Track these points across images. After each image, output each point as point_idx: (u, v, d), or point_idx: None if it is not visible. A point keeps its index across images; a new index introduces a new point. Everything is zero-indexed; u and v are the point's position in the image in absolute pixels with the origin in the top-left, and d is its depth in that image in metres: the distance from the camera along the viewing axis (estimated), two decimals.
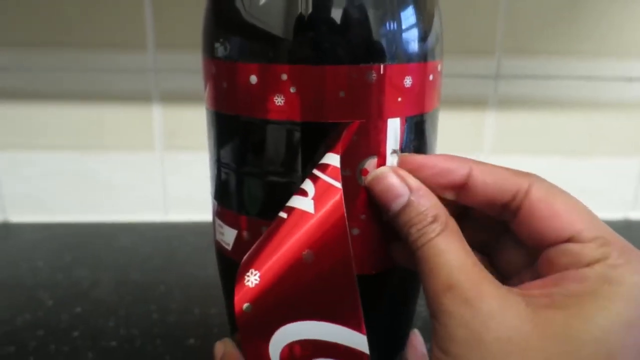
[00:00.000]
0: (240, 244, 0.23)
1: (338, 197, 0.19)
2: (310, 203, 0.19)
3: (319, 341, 0.20)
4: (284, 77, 0.20)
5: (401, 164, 0.21)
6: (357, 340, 0.19)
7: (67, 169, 0.59)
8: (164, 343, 0.40)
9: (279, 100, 0.20)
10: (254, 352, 0.20)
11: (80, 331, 0.41)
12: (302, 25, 0.19)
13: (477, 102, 0.58)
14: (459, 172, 0.21)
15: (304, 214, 0.19)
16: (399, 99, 0.21)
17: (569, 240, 0.19)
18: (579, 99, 0.58)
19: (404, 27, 0.21)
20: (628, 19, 0.56)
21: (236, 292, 0.19)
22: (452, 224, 0.20)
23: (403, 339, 0.27)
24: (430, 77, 0.22)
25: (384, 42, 0.20)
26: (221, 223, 0.24)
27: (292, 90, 0.20)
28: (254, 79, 0.20)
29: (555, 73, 0.57)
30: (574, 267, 0.18)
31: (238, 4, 0.21)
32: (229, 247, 0.24)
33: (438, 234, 0.19)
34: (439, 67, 0.23)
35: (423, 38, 0.21)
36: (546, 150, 0.59)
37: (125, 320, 0.42)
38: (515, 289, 0.18)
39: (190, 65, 0.55)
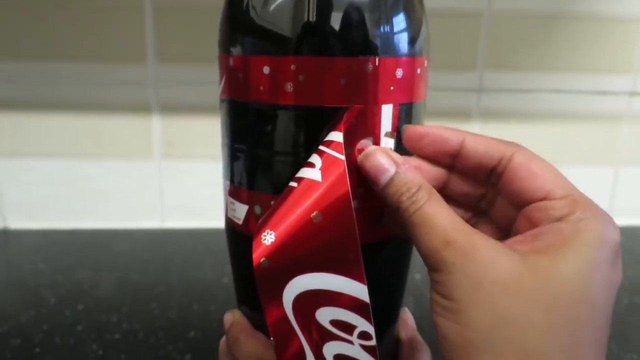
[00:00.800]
0: (251, 217, 0.26)
1: (342, 167, 0.22)
2: (318, 173, 0.22)
3: (326, 291, 0.22)
4: (293, 67, 0.23)
5: (406, 133, 0.24)
6: (359, 290, 0.22)
7: (66, 177, 0.60)
8: (166, 335, 0.41)
9: (289, 87, 0.23)
10: (269, 301, 0.22)
11: (83, 326, 0.42)
12: (309, 29, 0.23)
13: (461, 114, 0.61)
14: (454, 140, 0.24)
15: (312, 182, 0.22)
16: (392, 88, 0.24)
17: (544, 198, 0.22)
18: (556, 111, 0.62)
19: (395, 28, 0.24)
20: (599, 36, 0.60)
21: (254, 249, 0.21)
22: (435, 192, 0.22)
23: (395, 312, 0.30)
24: (418, 71, 0.25)
25: (378, 40, 0.23)
26: (233, 200, 0.27)
27: (300, 78, 0.23)
28: (267, 69, 0.23)
29: (533, 87, 0.61)
30: (547, 221, 0.21)
31: (252, 9, 0.24)
32: (240, 222, 0.26)
33: (427, 200, 0.22)
34: (425, 63, 0.26)
35: (412, 37, 0.24)
36: None
37: (128, 316, 0.44)
38: (502, 242, 0.21)
39: (189, 77, 0.58)
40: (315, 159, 0.22)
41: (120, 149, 0.60)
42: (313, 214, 0.21)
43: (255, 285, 0.27)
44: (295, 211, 0.21)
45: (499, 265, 0.20)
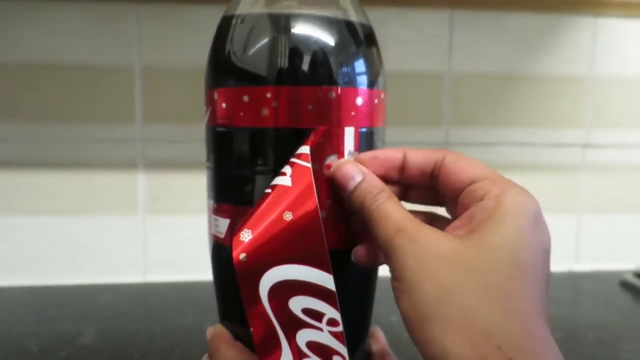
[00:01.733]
0: (233, 230, 0.28)
1: (308, 173, 0.26)
2: (288, 179, 0.25)
3: (297, 281, 0.25)
4: (269, 95, 0.27)
5: (359, 160, 0.28)
6: (326, 279, 0.25)
7: (52, 234, 0.62)
8: None
9: (265, 112, 0.27)
10: (248, 294, 0.25)
11: None
12: (281, 68, 0.27)
13: None
14: (397, 157, 0.28)
15: (284, 187, 0.25)
16: (353, 113, 0.28)
17: (470, 184, 0.26)
18: (518, 163, 0.67)
19: (355, 64, 0.28)
20: (552, 94, 0.66)
21: (234, 247, 0.24)
22: (393, 195, 0.26)
23: (365, 327, 0.32)
24: (376, 101, 0.30)
25: (340, 74, 0.28)
26: (216, 217, 0.30)
27: (274, 104, 0.27)
28: (246, 98, 0.27)
29: (495, 141, 0.66)
30: (474, 201, 0.25)
31: (233, 55, 0.28)
32: (222, 235, 0.29)
33: (386, 200, 0.25)
34: (382, 96, 0.31)
35: (369, 72, 0.29)
36: None
37: None
38: (444, 230, 0.25)
39: (175, 135, 0.61)
40: (286, 168, 0.26)
41: (106, 205, 0.62)
42: (284, 214, 0.25)
43: (235, 299, 0.29)
44: (270, 213, 0.25)
45: (441, 245, 0.23)
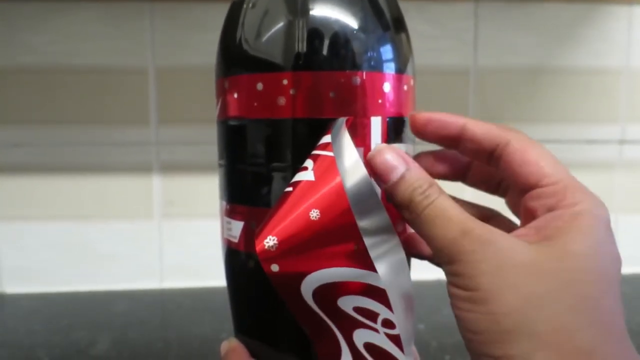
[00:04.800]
0: (247, 233, 0.26)
1: (331, 162, 0.22)
2: (311, 173, 0.22)
3: (340, 282, 0.22)
4: (285, 82, 0.24)
5: (412, 120, 0.26)
6: (371, 277, 0.22)
7: (66, 240, 0.61)
8: None
9: (281, 101, 0.24)
10: (292, 301, 0.22)
11: None
12: (298, 55, 0.24)
13: None
14: (456, 124, 0.25)
15: (306, 182, 0.22)
16: (380, 101, 0.25)
17: (536, 184, 0.22)
18: None
19: (381, 46, 0.25)
20: (583, 88, 0.63)
21: (260, 257, 0.21)
22: (444, 191, 0.23)
23: None
24: (405, 88, 0.26)
25: (365, 57, 0.25)
26: (229, 220, 0.27)
27: (292, 92, 0.24)
28: (260, 86, 0.25)
29: None
30: (542, 209, 0.22)
31: (245, 42, 0.25)
32: (236, 240, 0.26)
33: (439, 195, 0.22)
34: (412, 82, 0.27)
35: (396, 55, 0.26)
36: None
37: None
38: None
39: (190, 138, 0.59)
40: (308, 162, 0.23)
41: (121, 210, 0.61)
42: (311, 212, 0.22)
43: (251, 310, 0.27)
44: (293, 213, 0.22)
45: (517, 252, 0.20)
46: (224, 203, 0.28)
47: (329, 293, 0.22)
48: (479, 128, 0.24)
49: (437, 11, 0.61)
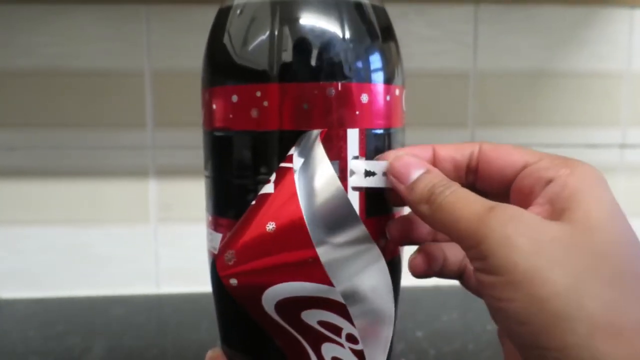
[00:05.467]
0: None
1: (289, 174, 0.22)
2: (271, 186, 0.22)
3: (300, 297, 0.22)
4: (258, 94, 0.24)
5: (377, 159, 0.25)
6: (329, 291, 0.22)
7: (61, 244, 0.60)
8: None
9: (254, 113, 0.24)
10: (255, 313, 0.22)
11: None
12: (272, 66, 0.24)
13: None
14: (425, 154, 0.25)
15: (266, 195, 0.22)
16: (357, 113, 0.24)
17: (524, 166, 0.22)
18: None
19: (360, 56, 0.24)
20: (583, 92, 0.62)
21: (219, 271, 0.21)
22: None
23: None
24: (387, 98, 0.25)
25: (340, 70, 0.24)
26: (212, 231, 0.27)
27: (265, 104, 0.24)
28: (235, 98, 0.24)
29: (524, 142, 0.62)
30: (540, 183, 0.21)
31: (229, 48, 0.25)
32: (216, 251, 0.26)
33: (459, 187, 0.22)
34: (397, 92, 0.26)
35: (378, 65, 0.25)
36: None
37: None
38: None
39: (186, 141, 0.59)
40: (273, 175, 0.23)
41: (117, 214, 0.60)
42: (267, 225, 0.21)
43: (233, 322, 0.27)
44: (250, 225, 0.22)
45: (547, 225, 0.19)
46: (208, 215, 0.27)
47: (291, 307, 0.22)
48: (449, 148, 0.25)
49: (437, 14, 0.60)
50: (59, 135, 0.58)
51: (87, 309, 0.57)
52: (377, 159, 0.25)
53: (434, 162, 0.25)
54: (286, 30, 0.23)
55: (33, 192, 0.59)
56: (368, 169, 0.24)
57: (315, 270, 0.21)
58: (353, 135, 0.24)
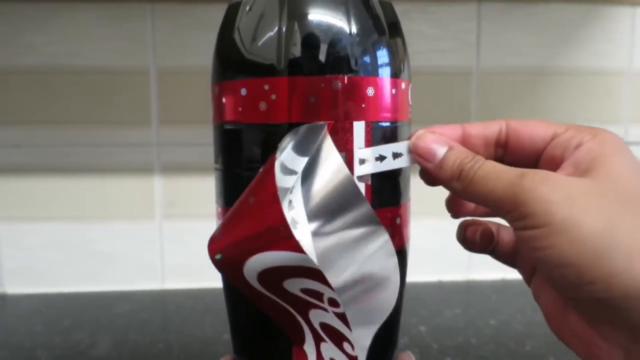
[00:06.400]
0: None
1: (272, 156, 0.23)
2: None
3: (278, 266, 0.23)
4: (266, 87, 0.24)
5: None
6: (303, 259, 0.22)
7: (66, 241, 0.61)
8: None
9: (263, 106, 0.24)
10: (238, 284, 0.23)
11: None
12: (280, 60, 0.24)
13: None
14: (455, 133, 0.26)
15: (256, 176, 0.24)
16: (363, 106, 0.25)
17: (553, 137, 0.24)
18: None
19: (366, 50, 0.25)
20: (585, 90, 0.63)
21: (208, 247, 0.23)
22: None
23: (394, 340, 0.29)
24: (393, 91, 0.26)
25: (349, 60, 0.24)
26: (219, 222, 0.27)
27: (272, 97, 0.24)
28: (244, 91, 0.25)
29: None
30: (569, 150, 0.23)
31: (238, 43, 0.25)
32: None
33: (486, 160, 0.23)
34: (403, 85, 0.27)
35: (383, 61, 0.26)
36: None
37: None
38: None
39: (191, 139, 0.59)
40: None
41: (122, 211, 0.60)
42: (249, 199, 0.23)
43: (245, 327, 0.27)
44: (236, 202, 0.23)
45: (577, 182, 0.21)
46: (218, 207, 0.28)
47: (272, 277, 0.23)
48: (477, 126, 0.26)
49: (440, 12, 0.60)
50: (64, 132, 0.58)
51: (93, 305, 0.58)
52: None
53: (464, 139, 0.25)
54: (294, 25, 0.24)
55: (39, 189, 0.59)
56: (382, 154, 0.25)
57: (287, 239, 0.22)
58: (359, 128, 0.25)
